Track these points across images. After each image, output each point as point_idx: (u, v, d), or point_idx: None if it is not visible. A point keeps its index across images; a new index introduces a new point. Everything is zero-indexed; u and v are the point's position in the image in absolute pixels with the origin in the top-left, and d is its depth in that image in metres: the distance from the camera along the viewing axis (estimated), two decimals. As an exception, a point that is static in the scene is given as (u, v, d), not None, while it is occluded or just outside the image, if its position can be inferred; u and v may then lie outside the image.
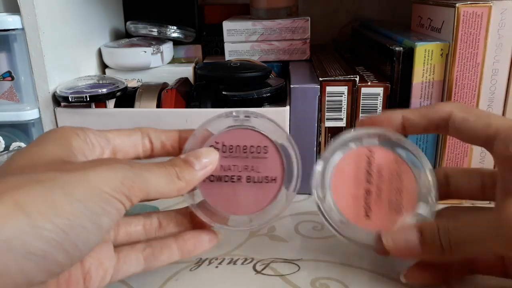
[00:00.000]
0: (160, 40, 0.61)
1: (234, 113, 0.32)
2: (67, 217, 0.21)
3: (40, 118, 0.48)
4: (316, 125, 0.45)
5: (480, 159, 0.43)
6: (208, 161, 0.29)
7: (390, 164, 0.31)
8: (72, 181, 0.22)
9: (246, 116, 0.32)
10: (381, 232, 0.29)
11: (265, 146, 0.31)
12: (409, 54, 0.41)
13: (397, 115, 0.31)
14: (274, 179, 0.31)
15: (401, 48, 0.42)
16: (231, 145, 0.31)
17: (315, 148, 0.45)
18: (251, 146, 0.31)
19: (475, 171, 0.33)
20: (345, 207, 0.31)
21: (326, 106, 0.44)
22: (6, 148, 0.48)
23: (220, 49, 0.66)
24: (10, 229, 0.19)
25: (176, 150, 0.32)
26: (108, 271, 0.28)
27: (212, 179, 0.31)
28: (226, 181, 0.31)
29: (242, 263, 0.35)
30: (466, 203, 0.37)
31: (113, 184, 0.24)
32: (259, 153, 0.31)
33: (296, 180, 0.31)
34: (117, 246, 0.30)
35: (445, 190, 0.32)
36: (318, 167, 0.31)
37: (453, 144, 0.42)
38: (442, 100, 0.42)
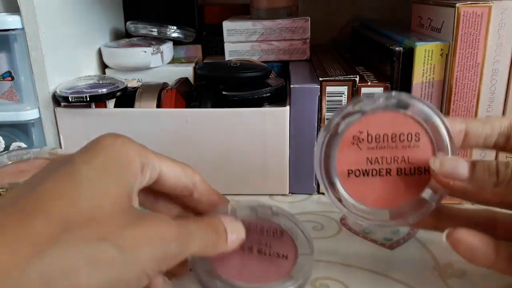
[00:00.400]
0: (160, 40, 0.61)
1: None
2: None
3: (40, 118, 0.48)
4: (316, 125, 0.45)
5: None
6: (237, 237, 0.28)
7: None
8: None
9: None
10: (430, 158, 0.27)
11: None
12: (409, 54, 0.41)
13: (460, 123, 0.28)
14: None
15: (401, 48, 0.42)
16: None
17: (315, 148, 0.45)
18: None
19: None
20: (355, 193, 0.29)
21: (326, 106, 0.44)
22: (6, 148, 0.48)
23: (220, 49, 0.65)
24: None
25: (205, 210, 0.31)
26: None
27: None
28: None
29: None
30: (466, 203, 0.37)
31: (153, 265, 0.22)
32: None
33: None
34: None
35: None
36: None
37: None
38: (442, 100, 0.42)
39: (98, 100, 0.46)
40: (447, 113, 0.41)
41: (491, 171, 0.25)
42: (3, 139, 0.48)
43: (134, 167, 0.24)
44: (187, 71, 0.59)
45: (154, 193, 0.29)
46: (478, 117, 0.30)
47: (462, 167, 0.26)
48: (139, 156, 0.24)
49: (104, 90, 0.46)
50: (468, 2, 0.39)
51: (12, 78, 0.47)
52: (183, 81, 0.52)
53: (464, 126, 0.28)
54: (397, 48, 0.42)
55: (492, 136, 0.28)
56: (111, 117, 0.46)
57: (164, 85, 0.51)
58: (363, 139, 0.28)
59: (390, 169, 0.28)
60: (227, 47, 0.59)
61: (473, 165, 0.26)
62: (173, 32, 0.62)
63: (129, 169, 0.23)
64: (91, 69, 0.57)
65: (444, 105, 0.41)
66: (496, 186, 0.25)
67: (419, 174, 0.28)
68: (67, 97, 0.45)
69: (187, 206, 0.31)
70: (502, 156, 0.42)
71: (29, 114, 0.48)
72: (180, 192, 0.29)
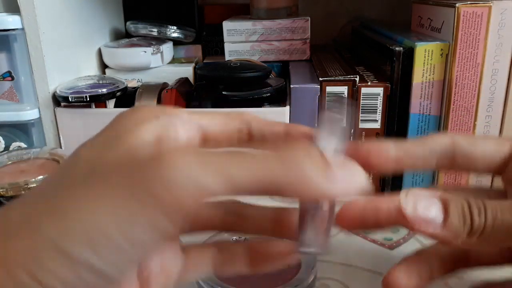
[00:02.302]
0: (160, 40, 0.61)
1: None
2: (60, 277, 0.16)
3: (40, 118, 0.48)
4: (316, 125, 0.44)
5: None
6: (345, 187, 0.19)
7: None
8: (78, 212, 0.16)
9: None
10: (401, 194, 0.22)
11: None
12: (409, 54, 0.41)
13: (387, 144, 0.24)
14: None
15: (401, 48, 0.42)
16: None
17: (315, 148, 0.45)
18: None
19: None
20: None
21: (326, 106, 0.44)
22: (6, 148, 0.48)
23: (220, 49, 0.65)
24: None
25: None
26: (171, 277, 0.23)
27: None
28: None
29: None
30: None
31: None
32: None
33: None
34: (185, 246, 0.24)
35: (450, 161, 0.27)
36: None
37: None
38: (442, 100, 0.42)
39: (98, 100, 0.46)
40: (447, 113, 0.41)
41: (466, 219, 0.21)
42: (3, 139, 0.48)
43: (148, 118, 0.21)
44: (187, 71, 0.59)
45: None
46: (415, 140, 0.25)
47: (435, 210, 0.21)
48: (161, 111, 0.22)
49: (104, 90, 0.46)
50: (468, 2, 0.39)
51: (12, 78, 0.47)
52: (183, 81, 0.52)
53: (394, 151, 0.24)
54: (397, 48, 0.42)
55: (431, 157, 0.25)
56: (111, 117, 0.46)
57: (164, 85, 0.51)
58: None
59: None
60: (227, 47, 0.59)
61: (446, 207, 0.21)
62: (173, 32, 0.62)
63: (142, 120, 0.21)
64: (91, 69, 0.57)
65: (444, 105, 0.41)
66: (469, 236, 0.21)
67: None
68: (67, 97, 0.45)
69: None
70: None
71: (29, 114, 0.48)
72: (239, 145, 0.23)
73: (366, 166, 0.22)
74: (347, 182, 0.19)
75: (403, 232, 0.39)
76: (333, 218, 0.22)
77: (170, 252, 0.23)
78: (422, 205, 0.22)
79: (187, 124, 0.22)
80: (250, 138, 0.24)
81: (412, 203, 0.22)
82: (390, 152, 0.24)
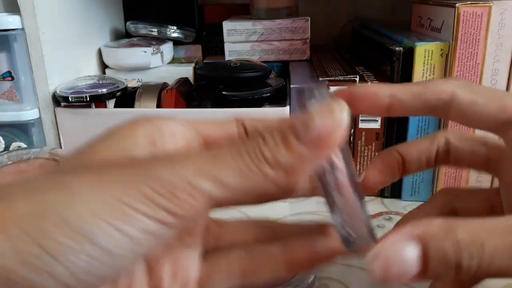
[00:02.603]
0: (160, 40, 0.61)
1: None
2: (61, 241, 0.15)
3: (40, 118, 0.48)
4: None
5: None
6: (326, 125, 0.17)
7: None
8: (79, 186, 0.16)
9: None
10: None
11: None
12: (409, 54, 0.41)
13: (384, 91, 0.23)
14: None
15: (401, 48, 0.42)
16: None
17: (315, 148, 0.45)
18: None
19: (479, 139, 0.26)
20: None
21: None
22: (6, 148, 0.48)
23: (220, 49, 0.65)
24: None
25: None
26: (188, 286, 0.21)
27: None
28: None
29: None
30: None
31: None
32: None
33: None
34: (205, 252, 0.22)
35: (444, 156, 0.27)
36: None
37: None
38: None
39: (98, 100, 0.46)
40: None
41: (449, 264, 0.17)
42: (3, 139, 0.48)
43: (142, 123, 0.21)
44: (187, 71, 0.59)
45: None
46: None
47: (410, 262, 0.18)
48: (156, 117, 0.22)
49: (104, 90, 0.46)
50: (468, 2, 0.39)
51: (12, 78, 0.47)
52: (183, 81, 0.52)
53: (388, 94, 0.23)
54: (397, 48, 0.42)
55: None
56: (111, 117, 0.46)
57: (164, 85, 0.51)
58: None
59: None
60: (227, 47, 0.59)
61: (425, 252, 0.18)
62: (173, 32, 0.62)
63: (136, 125, 0.21)
64: (91, 69, 0.57)
65: (444, 105, 0.41)
66: (457, 276, 0.18)
67: None
68: (67, 97, 0.45)
69: None
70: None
71: (29, 114, 0.48)
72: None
73: (356, 109, 0.22)
74: (327, 126, 0.17)
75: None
76: (356, 178, 0.20)
77: (186, 257, 0.21)
78: (396, 265, 0.18)
79: (183, 127, 0.22)
80: (246, 136, 0.24)
81: (384, 261, 0.18)
82: (383, 100, 0.23)
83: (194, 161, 0.17)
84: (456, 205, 0.27)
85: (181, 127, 0.22)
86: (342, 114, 0.18)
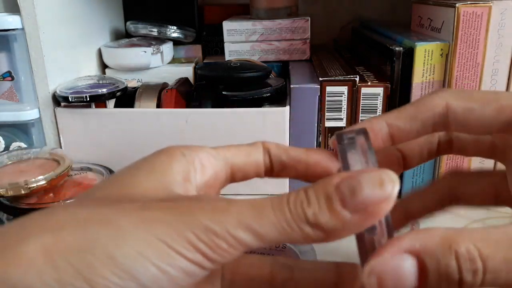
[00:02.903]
0: (160, 40, 0.61)
1: None
2: (106, 277, 0.16)
3: (40, 118, 0.48)
4: (316, 125, 0.45)
5: (480, 160, 0.43)
6: (375, 197, 0.17)
7: None
8: (126, 225, 0.17)
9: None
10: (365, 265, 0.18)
11: None
12: (409, 54, 0.41)
13: (380, 123, 0.23)
14: None
15: (401, 48, 0.42)
16: None
17: (315, 148, 0.45)
18: None
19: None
20: None
21: (326, 106, 0.44)
22: (6, 148, 0.48)
23: (220, 49, 0.65)
24: (31, 278, 0.16)
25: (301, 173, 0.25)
26: None
27: None
28: None
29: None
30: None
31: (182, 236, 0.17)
32: None
33: None
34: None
35: (446, 146, 0.27)
36: None
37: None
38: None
39: (98, 100, 0.46)
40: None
41: (451, 281, 0.17)
42: (3, 139, 0.48)
43: (175, 156, 0.22)
44: (187, 71, 0.59)
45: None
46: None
47: (407, 278, 0.17)
48: (188, 149, 0.22)
49: (104, 90, 0.46)
50: (468, 2, 0.39)
51: (12, 78, 0.47)
52: (183, 81, 0.52)
53: (384, 125, 0.24)
54: (397, 48, 0.42)
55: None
56: (111, 117, 0.46)
57: (164, 85, 0.51)
58: None
59: None
60: (227, 47, 0.59)
61: (424, 268, 0.17)
62: (173, 32, 0.62)
63: (170, 159, 0.22)
64: (91, 69, 0.57)
65: (444, 105, 0.41)
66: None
67: None
68: (67, 97, 0.45)
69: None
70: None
71: (29, 114, 0.48)
72: (266, 173, 0.25)
73: None
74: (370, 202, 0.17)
75: (404, 231, 0.39)
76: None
77: None
78: (391, 282, 0.18)
79: (212, 158, 0.23)
80: (271, 165, 0.25)
81: (378, 275, 0.18)
82: (382, 132, 0.23)
83: (235, 211, 0.18)
84: (459, 191, 0.27)
85: (211, 158, 0.23)
86: (393, 190, 0.17)
